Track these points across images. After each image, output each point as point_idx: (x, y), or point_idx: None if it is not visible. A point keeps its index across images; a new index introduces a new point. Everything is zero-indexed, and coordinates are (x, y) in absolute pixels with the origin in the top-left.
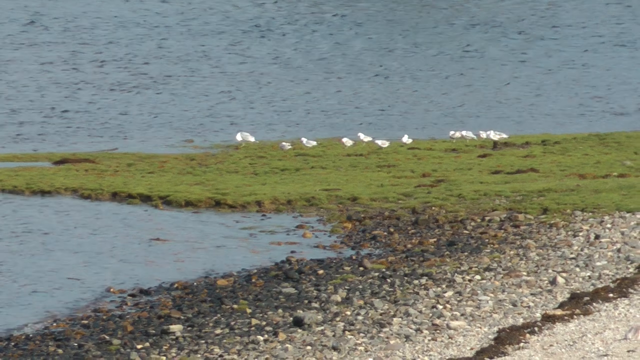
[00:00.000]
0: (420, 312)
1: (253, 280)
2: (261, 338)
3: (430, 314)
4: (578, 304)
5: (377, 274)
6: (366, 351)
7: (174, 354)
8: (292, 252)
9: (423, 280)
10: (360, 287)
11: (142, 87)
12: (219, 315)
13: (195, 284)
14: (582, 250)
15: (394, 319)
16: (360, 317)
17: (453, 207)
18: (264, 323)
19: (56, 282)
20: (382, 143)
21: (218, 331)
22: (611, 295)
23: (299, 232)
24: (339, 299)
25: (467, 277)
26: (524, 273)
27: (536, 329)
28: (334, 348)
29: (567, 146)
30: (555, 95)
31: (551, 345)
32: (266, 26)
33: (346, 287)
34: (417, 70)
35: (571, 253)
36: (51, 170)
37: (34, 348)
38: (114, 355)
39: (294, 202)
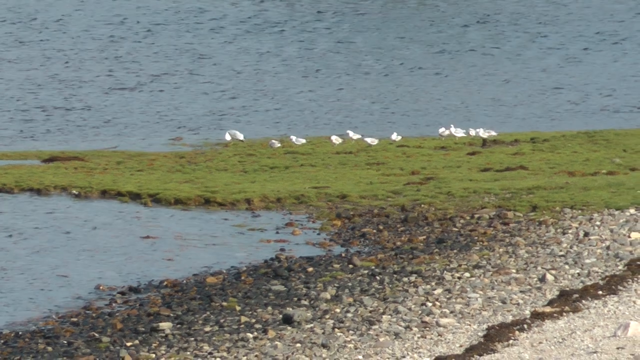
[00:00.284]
0: (410, 309)
1: (242, 277)
2: (250, 335)
3: (420, 312)
4: (567, 301)
5: (366, 271)
6: (355, 348)
7: (163, 352)
8: (282, 249)
9: (412, 278)
10: (350, 284)
11: (131, 86)
12: (208, 312)
13: (184, 281)
14: (571, 247)
15: (384, 316)
16: (349, 315)
17: (442, 204)
18: (253, 320)
19: (45, 280)
20: (371, 141)
21: (207, 329)
22: (600, 292)
23: (289, 230)
24: (328, 296)
25: (457, 275)
26: (513, 270)
27: (525, 326)
28: (324, 345)
29: (556, 144)
30: (544, 93)
31: (540, 343)
32: (260, 24)
33: (335, 285)
34: (410, 67)
35: (560, 250)
36: (40, 168)
37: (24, 345)
38: (103, 353)
39: (284, 199)
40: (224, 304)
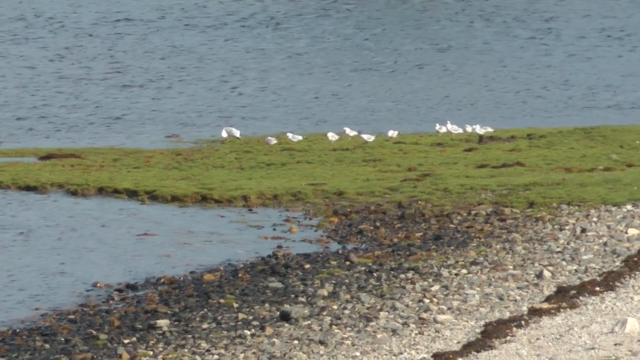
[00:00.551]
0: (407, 306)
1: (240, 274)
2: (248, 332)
3: (417, 308)
4: (565, 297)
5: (363, 268)
6: (353, 345)
7: (160, 349)
8: (279, 246)
9: (409, 274)
10: (347, 281)
11: (128, 83)
12: (205, 309)
13: (181, 278)
14: (568, 243)
15: (381, 313)
16: (347, 311)
17: (439, 201)
18: (250, 317)
19: (43, 277)
20: (368, 137)
21: (205, 326)
22: (598, 288)
23: (286, 227)
24: (325, 293)
25: (454, 271)
26: (511, 267)
27: (523, 322)
28: (321, 342)
29: (553, 140)
30: (541, 89)
31: (538, 339)
32: (254, 21)
33: (333, 282)
34: (408, 64)
35: (557, 247)
36: (37, 165)
37: (21, 343)
38: (100, 350)
39: (280, 196)
40: (222, 301)
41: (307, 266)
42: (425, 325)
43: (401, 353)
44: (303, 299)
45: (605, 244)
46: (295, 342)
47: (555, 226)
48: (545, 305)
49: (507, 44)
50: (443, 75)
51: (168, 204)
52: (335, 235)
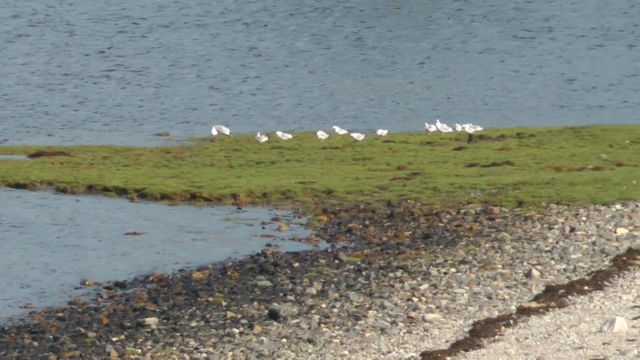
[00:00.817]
0: (396, 304)
1: (228, 273)
2: (237, 331)
3: (406, 307)
4: (553, 296)
5: (352, 266)
6: (341, 344)
7: (149, 347)
8: (268, 244)
9: (398, 273)
10: (336, 279)
11: (118, 81)
12: (194, 308)
13: (170, 276)
14: (557, 243)
15: (370, 311)
16: (335, 310)
17: (428, 200)
18: (239, 316)
19: (31, 274)
20: (358, 136)
21: (193, 324)
22: (586, 287)
23: (275, 225)
24: (314, 291)
25: (443, 270)
26: (499, 266)
27: (511, 321)
28: (310, 341)
29: (543, 139)
30: (532, 89)
31: (526, 338)
32: (248, 19)
33: (321, 280)
34: (398, 63)
35: (546, 246)
36: (27, 163)
37: (10, 341)
38: (89, 348)
39: (270, 195)
40: (210, 299)
41: (296, 265)
42: (413, 324)
43: (389, 352)
44: (292, 298)
45: (594, 243)
46: (284, 340)
47: (544, 225)
48: (533, 305)
49: (500, 43)
50: (433, 74)
51: (157, 202)
52: (324, 233)
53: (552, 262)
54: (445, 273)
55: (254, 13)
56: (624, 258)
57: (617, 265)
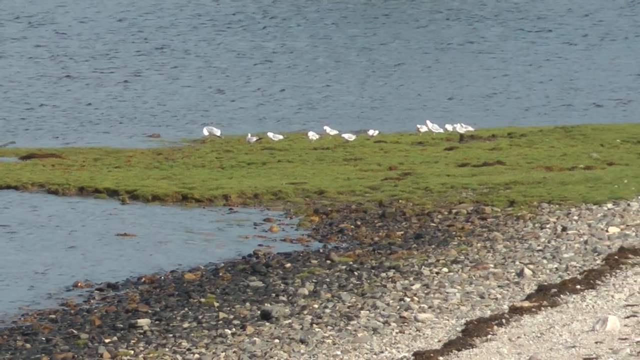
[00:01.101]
0: (388, 304)
1: (220, 274)
2: (229, 331)
3: (398, 307)
4: (545, 295)
5: (344, 267)
6: (334, 344)
7: (142, 348)
8: (260, 245)
9: (390, 273)
10: (328, 280)
11: (109, 82)
12: (186, 309)
13: (162, 278)
14: (549, 242)
15: (362, 311)
16: (327, 310)
17: (420, 200)
18: (231, 316)
19: (24, 276)
20: (349, 137)
21: (186, 325)
22: (578, 286)
23: (266, 226)
24: (306, 292)
25: (435, 270)
26: (492, 265)
27: (504, 320)
28: (302, 341)
29: (534, 139)
30: (523, 88)
31: (519, 337)
32: (241, 20)
33: (314, 281)
34: (391, 63)
35: (538, 245)
36: (18, 165)
37: (2, 343)
38: (82, 350)
39: (261, 195)
40: (202, 300)
41: (288, 265)
42: (406, 324)
43: (382, 352)
44: (284, 298)
45: (586, 242)
46: (276, 341)
47: (536, 225)
48: (526, 304)
49: (492, 43)
50: (424, 74)
51: (149, 204)
52: (316, 234)
53: (544, 261)
54: (437, 273)
55: (242, 14)
56: (616, 257)
57: (609, 264)
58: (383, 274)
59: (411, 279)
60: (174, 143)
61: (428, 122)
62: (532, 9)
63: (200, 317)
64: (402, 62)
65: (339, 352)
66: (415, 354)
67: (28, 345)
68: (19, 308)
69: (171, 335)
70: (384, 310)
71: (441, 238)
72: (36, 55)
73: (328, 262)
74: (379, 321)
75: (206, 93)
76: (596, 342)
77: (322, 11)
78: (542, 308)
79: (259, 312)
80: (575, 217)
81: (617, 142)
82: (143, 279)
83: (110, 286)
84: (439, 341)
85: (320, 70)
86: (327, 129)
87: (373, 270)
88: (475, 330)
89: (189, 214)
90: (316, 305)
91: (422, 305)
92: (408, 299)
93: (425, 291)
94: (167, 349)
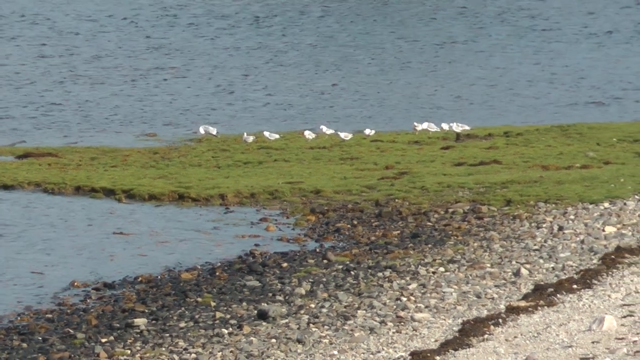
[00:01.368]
0: (385, 304)
1: (217, 273)
2: (226, 331)
3: (395, 306)
4: (542, 295)
5: (341, 266)
6: (331, 344)
7: (138, 348)
8: (256, 245)
9: (387, 273)
10: (324, 279)
11: (106, 80)
12: (183, 308)
13: (159, 277)
14: (545, 241)
15: (358, 311)
16: (324, 310)
17: (416, 199)
18: (228, 316)
19: (19, 276)
20: (345, 136)
21: (182, 324)
22: (575, 286)
23: (263, 225)
24: (303, 291)
25: (431, 269)
26: (488, 265)
27: (500, 320)
28: (299, 341)
29: (530, 138)
30: (521, 87)
31: (515, 337)
32: (239, 20)
33: (310, 280)
34: (388, 62)
35: (535, 244)
36: (14, 164)
37: None
38: (78, 349)
39: (257, 195)
40: (199, 299)
41: (285, 265)
42: (402, 323)
43: (379, 351)
44: (281, 298)
45: (582, 241)
46: (273, 340)
47: (533, 224)
48: (522, 304)
49: (489, 42)
50: (422, 74)
51: (145, 203)
52: (313, 233)
53: (541, 260)
54: (434, 272)
55: (241, 14)
56: (613, 256)
57: (605, 264)
58: (380, 274)
59: (408, 278)
60: (170, 142)
61: (425, 122)
62: (534, 8)
63: (197, 316)
64: (401, 60)
65: (335, 352)
66: (412, 354)
67: (24, 345)
68: (15, 307)
69: (168, 334)
70: (380, 310)
71: (438, 237)
72: (35, 54)
73: (325, 261)
74: (375, 321)
75: (203, 92)
76: (593, 342)
77: (322, 10)
78: (539, 308)
79: (255, 311)
80: (572, 217)
81: (614, 141)
82: (140, 279)
83: (107, 285)
84: (436, 341)
85: (319, 69)
86: (324, 128)
87: (370, 270)
88: (472, 330)
89: (186, 214)
90: (313, 305)
91: (418, 304)
92: (405, 299)
93: (422, 291)
94: (163, 349)
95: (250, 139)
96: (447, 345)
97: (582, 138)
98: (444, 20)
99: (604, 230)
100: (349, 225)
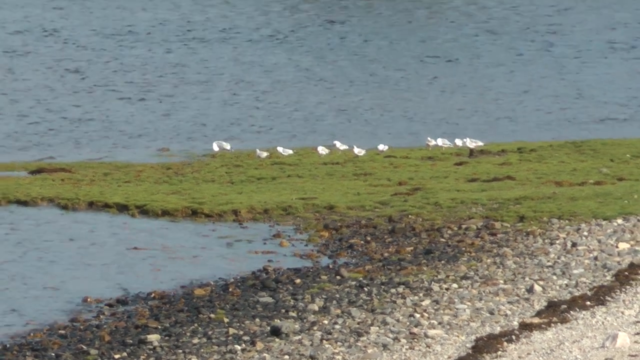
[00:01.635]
0: (398, 320)
1: (230, 289)
2: (239, 347)
3: (408, 323)
4: (555, 312)
5: (354, 282)
6: None
7: None
8: (269, 261)
9: (400, 289)
10: (338, 296)
11: (119, 96)
12: (196, 324)
13: (172, 293)
14: (559, 258)
15: (372, 327)
16: (337, 326)
17: (430, 215)
18: (241, 332)
19: (33, 291)
20: (359, 151)
21: (195, 341)
22: (588, 303)
23: (276, 241)
24: (316, 308)
25: (444, 286)
26: (501, 281)
27: (514, 337)
28: (312, 357)
29: (543, 154)
30: (534, 102)
31: (529, 354)
32: (257, 35)
33: (323, 296)
34: (400, 76)
35: (548, 261)
36: (27, 179)
37: (12, 358)
38: None
39: (271, 211)
40: (212, 315)
41: (298, 281)
42: (416, 340)
43: None
44: (294, 314)
45: (596, 258)
46: (286, 357)
47: (546, 240)
48: (536, 320)
49: (505, 57)
50: (433, 88)
51: (158, 218)
52: (326, 249)
53: (554, 277)
54: (447, 289)
55: (261, 29)
56: (626, 273)
57: (619, 280)
58: (393, 290)
59: (421, 294)
60: (183, 158)
61: (439, 138)
62: (542, 22)
63: (210, 332)
64: (411, 75)
65: None
66: None
67: None
68: (28, 323)
69: (181, 351)
70: (393, 326)
71: (451, 254)
72: (47, 68)
73: (338, 277)
74: (388, 337)
75: (217, 107)
76: (606, 359)
77: (330, 27)
78: (552, 324)
79: (268, 327)
80: (585, 233)
81: (627, 157)
82: (153, 295)
83: (120, 301)
84: (449, 357)
85: (329, 84)
86: (337, 143)
87: (383, 286)
88: (485, 347)
89: (199, 229)
90: (326, 321)
91: (432, 321)
92: (418, 315)
93: (435, 307)
94: None
95: (264, 154)
96: None
97: (596, 154)
98: (453, 35)
99: (617, 247)
100: (362, 241)
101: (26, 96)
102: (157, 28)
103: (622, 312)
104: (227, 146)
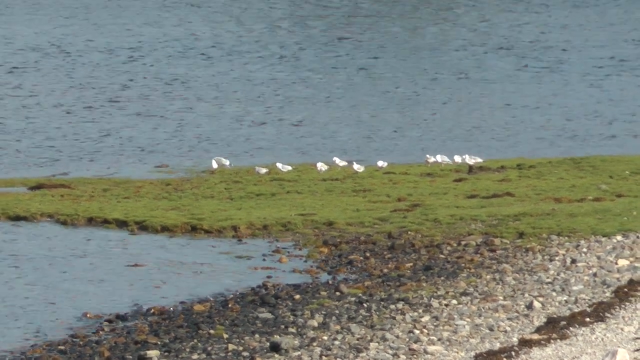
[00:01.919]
0: (397, 336)
1: (230, 305)
2: None
3: (407, 339)
4: (555, 328)
5: (353, 298)
6: None
7: None
8: (269, 277)
9: (400, 305)
10: (337, 312)
11: (119, 112)
12: (195, 340)
13: (171, 309)
14: (558, 274)
15: (371, 343)
16: (337, 342)
17: (429, 231)
18: (240, 348)
19: (32, 307)
20: (358, 168)
21: (195, 356)
22: (588, 319)
23: (275, 257)
24: (315, 324)
25: (444, 302)
26: (501, 297)
27: (513, 353)
28: None
29: (543, 170)
30: (533, 119)
31: None
32: (251, 50)
33: (323, 312)
34: (401, 93)
35: (547, 277)
36: (27, 195)
37: None
38: None
39: (270, 227)
40: (212, 331)
41: (297, 297)
42: (415, 356)
43: None
44: (293, 330)
45: (595, 274)
46: None
47: (545, 257)
48: (535, 336)
49: (505, 75)
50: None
51: (158, 234)
52: (325, 265)
53: (554, 293)
54: (446, 305)
55: (268, 45)
56: (625, 289)
57: (618, 297)
58: (392, 306)
59: (420, 311)
60: (182, 174)
61: (438, 155)
62: (549, 39)
63: (209, 348)
64: (413, 92)
65: None
66: None
67: None
68: (28, 339)
69: None
70: (393, 342)
71: (450, 270)
72: (48, 84)
73: (337, 293)
74: (388, 353)
75: (216, 124)
76: None
77: (332, 40)
78: (552, 341)
79: (268, 343)
80: (585, 249)
81: (626, 173)
82: (152, 310)
83: (120, 317)
84: None
85: (330, 100)
86: (336, 159)
87: (382, 302)
88: None
89: (198, 245)
90: (325, 337)
91: (431, 337)
92: (417, 331)
93: (435, 323)
94: None
95: (263, 170)
96: None
97: (595, 171)
98: (457, 53)
99: (616, 263)
100: (361, 258)
101: (31, 113)
102: (163, 44)
103: (622, 329)
104: (226, 162)
